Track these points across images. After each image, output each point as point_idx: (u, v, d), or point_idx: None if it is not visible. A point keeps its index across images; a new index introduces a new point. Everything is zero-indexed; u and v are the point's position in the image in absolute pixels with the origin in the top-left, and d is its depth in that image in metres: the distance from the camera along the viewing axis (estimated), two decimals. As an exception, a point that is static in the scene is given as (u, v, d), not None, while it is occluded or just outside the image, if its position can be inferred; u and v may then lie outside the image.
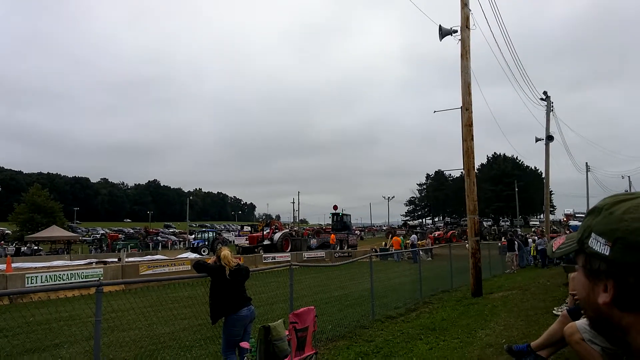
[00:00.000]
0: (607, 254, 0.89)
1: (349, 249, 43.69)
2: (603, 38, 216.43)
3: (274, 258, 32.85)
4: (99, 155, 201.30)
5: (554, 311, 9.45)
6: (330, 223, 58.33)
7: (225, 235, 69.69)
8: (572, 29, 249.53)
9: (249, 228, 53.36)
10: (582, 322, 4.11)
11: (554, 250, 1.13)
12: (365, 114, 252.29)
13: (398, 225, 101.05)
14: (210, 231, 57.33)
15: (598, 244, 0.92)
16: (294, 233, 49.64)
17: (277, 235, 41.50)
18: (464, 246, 20.37)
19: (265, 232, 42.31)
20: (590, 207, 1.02)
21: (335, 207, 55.65)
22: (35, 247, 50.29)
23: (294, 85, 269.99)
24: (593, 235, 0.93)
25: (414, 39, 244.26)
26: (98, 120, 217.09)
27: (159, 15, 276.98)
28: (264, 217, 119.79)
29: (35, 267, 26.42)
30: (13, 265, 26.43)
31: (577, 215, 72.89)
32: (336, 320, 10.18)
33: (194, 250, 44.00)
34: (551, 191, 72.31)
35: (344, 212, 56.15)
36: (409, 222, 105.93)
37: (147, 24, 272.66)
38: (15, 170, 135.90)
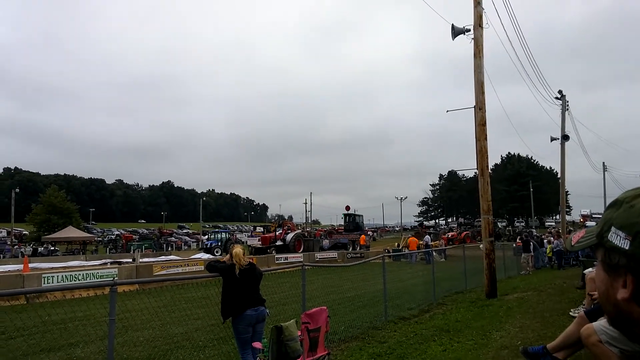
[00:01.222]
0: (627, 248, 0.86)
1: (361, 250, 43.64)
2: (622, 37, 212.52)
3: (286, 259, 32.91)
4: (114, 157, 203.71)
5: (570, 312, 9.34)
6: (343, 224, 58.24)
7: (238, 236, 69.96)
8: (590, 28, 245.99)
9: (262, 229, 53.50)
10: (599, 324, 4.04)
11: (573, 244, 1.10)
12: (378, 114, 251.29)
13: (411, 226, 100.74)
14: (223, 232, 57.57)
15: (618, 238, 0.88)
16: (306, 234, 49.69)
17: (289, 236, 41.60)
18: (478, 247, 20.20)
19: (277, 233, 42.40)
20: (610, 202, 0.98)
21: (347, 208, 55.55)
22: (52, 248, 51.00)
23: (307, 85, 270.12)
24: (613, 228, 0.90)
25: (427, 38, 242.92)
26: (113, 121, 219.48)
27: (177, 14, 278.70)
28: (276, 217, 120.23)
29: (52, 267, 26.75)
30: (30, 265, 26.80)
31: (594, 216, 72.09)
32: (349, 321, 10.14)
33: (207, 250, 44.21)
34: (567, 191, 71.52)
35: (356, 213, 56.03)
36: (424, 223, 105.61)
37: (165, 22, 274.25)
38: (33, 172, 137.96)
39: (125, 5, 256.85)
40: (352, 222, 53.82)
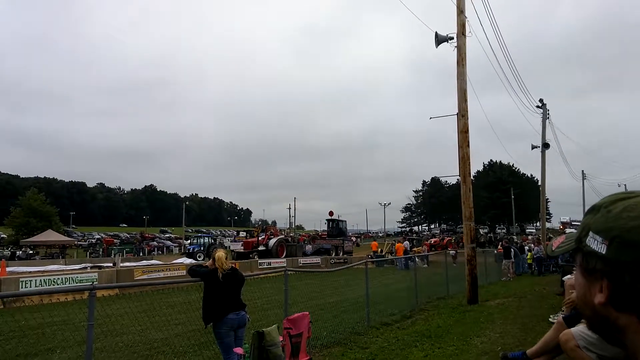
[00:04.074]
0: (604, 252, 0.87)
1: (344, 256, 43.56)
2: (605, 46, 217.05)
3: (269, 264, 32.78)
4: (95, 160, 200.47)
5: (550, 319, 9.45)
6: (326, 229, 57.98)
7: (221, 240, 69.39)
8: (574, 37, 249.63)
9: (245, 233, 53.25)
10: (578, 329, 4.10)
11: (553, 249, 1.12)
12: (364, 120, 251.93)
13: (395, 232, 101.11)
14: (206, 236, 57.11)
15: (595, 242, 0.90)
16: (289, 239, 49.53)
17: (272, 241, 41.46)
18: (461, 253, 20.33)
19: (260, 238, 42.21)
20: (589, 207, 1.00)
21: (331, 213, 55.12)
22: (31, 252, 50.10)
23: (294, 90, 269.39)
24: (591, 233, 0.92)
25: (415, 45, 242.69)
26: (95, 124, 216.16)
27: (161, 19, 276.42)
28: (259, 222, 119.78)
29: (30, 272, 26.27)
30: (8, 269, 26.30)
31: (573, 223, 73.16)
32: (331, 327, 10.12)
33: (190, 255, 43.82)
34: (547, 199, 72.48)
35: (340, 218, 55.81)
36: (414, 229, 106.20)
37: (148, 28, 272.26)
38: (12, 174, 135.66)
39: (114, 8, 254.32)
40: (336, 227, 53.51)
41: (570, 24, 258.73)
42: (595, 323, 0.95)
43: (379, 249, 44.65)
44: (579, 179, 59.42)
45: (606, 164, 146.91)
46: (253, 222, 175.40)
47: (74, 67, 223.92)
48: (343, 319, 11.33)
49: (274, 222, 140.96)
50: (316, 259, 39.07)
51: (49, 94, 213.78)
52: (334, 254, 44.35)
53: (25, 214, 62.13)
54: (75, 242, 63.38)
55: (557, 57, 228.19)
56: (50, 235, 51.09)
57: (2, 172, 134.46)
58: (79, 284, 18.99)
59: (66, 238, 57.36)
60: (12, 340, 10.20)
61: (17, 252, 49.98)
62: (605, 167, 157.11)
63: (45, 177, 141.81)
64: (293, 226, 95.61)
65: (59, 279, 19.80)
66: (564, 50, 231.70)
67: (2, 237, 70.45)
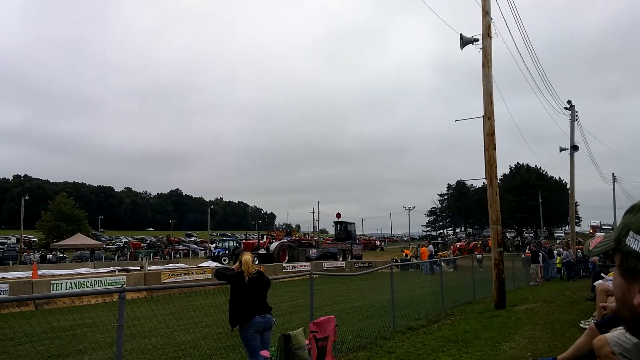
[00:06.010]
0: None
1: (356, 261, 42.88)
2: (636, 46, 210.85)
3: (294, 267, 32.89)
4: (123, 165, 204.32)
5: (581, 324, 9.27)
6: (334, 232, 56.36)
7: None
8: (603, 36, 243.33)
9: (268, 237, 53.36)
10: (612, 335, 4.00)
11: (590, 248, 1.10)
12: (389, 123, 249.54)
13: (420, 236, 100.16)
14: (231, 240, 57.61)
15: (636, 242, 0.89)
16: (309, 242, 48.98)
17: (273, 245, 40.13)
18: (487, 257, 20.07)
19: (261, 242, 41.78)
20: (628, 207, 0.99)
21: (338, 215, 52.90)
22: (61, 255, 51.32)
23: (319, 93, 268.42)
24: (631, 233, 0.91)
25: (441, 47, 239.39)
26: (122, 128, 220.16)
27: (189, 23, 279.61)
28: (284, 226, 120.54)
29: (61, 274, 26.90)
30: (39, 272, 26.97)
31: (603, 227, 71.41)
32: (356, 331, 10.09)
33: (215, 259, 44.22)
34: (576, 202, 70.89)
35: (348, 221, 54.25)
36: (441, 233, 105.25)
37: (176, 32, 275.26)
38: (43, 179, 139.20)
39: (143, 14, 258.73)
40: (344, 230, 51.39)
41: (600, 23, 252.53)
42: (634, 325, 0.94)
43: (404, 253, 44.42)
44: (610, 181, 58.01)
45: (638, 166, 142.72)
46: (277, 225, 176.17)
47: (102, 71, 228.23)
48: (368, 323, 11.27)
49: (298, 226, 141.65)
50: (340, 263, 38.97)
51: (78, 99, 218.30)
52: (341, 258, 43.08)
53: (56, 218, 63.71)
54: (104, 246, 64.71)
55: (585, 57, 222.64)
56: (79, 239, 52.23)
57: (33, 177, 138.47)
58: (108, 287, 19.37)
59: (95, 242, 58.54)
60: (44, 341, 10.45)
61: (48, 256, 51.31)
62: (637, 169, 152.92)
63: (74, 181, 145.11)
64: (317, 230, 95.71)
65: (88, 281, 20.25)
66: (592, 50, 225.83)
67: (34, 241, 72.34)
